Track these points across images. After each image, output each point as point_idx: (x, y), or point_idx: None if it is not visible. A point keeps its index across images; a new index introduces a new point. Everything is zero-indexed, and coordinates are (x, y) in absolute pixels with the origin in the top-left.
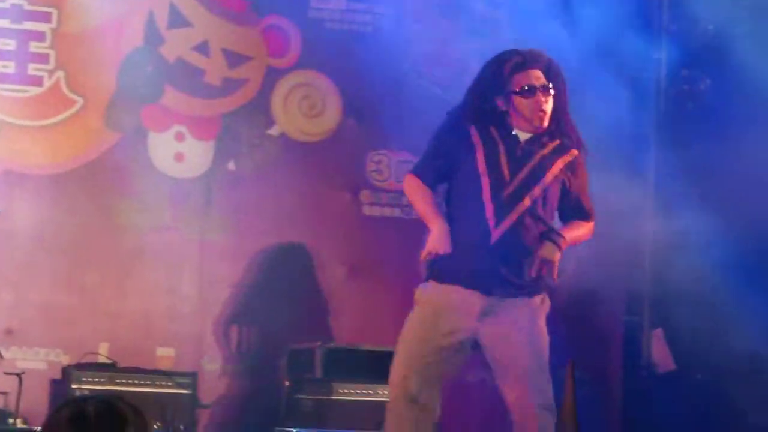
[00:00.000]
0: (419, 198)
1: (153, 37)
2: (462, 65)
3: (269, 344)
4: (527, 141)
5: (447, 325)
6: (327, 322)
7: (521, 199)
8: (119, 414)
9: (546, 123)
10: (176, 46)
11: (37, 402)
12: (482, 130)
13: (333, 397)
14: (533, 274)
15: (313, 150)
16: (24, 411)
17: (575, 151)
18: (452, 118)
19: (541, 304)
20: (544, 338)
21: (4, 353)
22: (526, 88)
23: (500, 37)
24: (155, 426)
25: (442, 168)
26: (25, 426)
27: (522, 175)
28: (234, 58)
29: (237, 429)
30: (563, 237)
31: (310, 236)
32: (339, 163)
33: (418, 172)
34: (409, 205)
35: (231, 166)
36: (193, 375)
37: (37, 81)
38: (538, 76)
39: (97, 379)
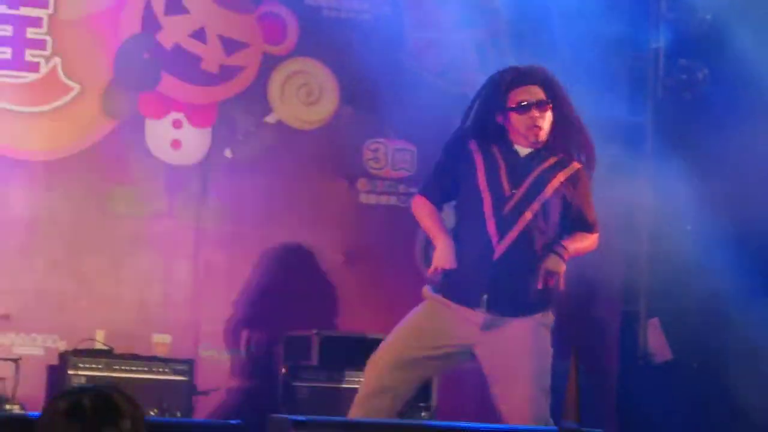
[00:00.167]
0: (425, 215)
1: (150, 23)
2: (459, 54)
3: (266, 331)
4: (527, 156)
5: (442, 339)
6: (323, 310)
7: (522, 213)
8: (115, 406)
9: (543, 138)
10: (173, 32)
11: (34, 388)
12: (483, 147)
13: (329, 385)
14: (539, 286)
15: (309, 138)
16: (21, 397)
17: (576, 165)
18: (455, 137)
19: (544, 320)
20: (546, 354)
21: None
22: (521, 104)
23: (496, 27)
24: (151, 413)
25: (447, 186)
26: (21, 411)
27: (522, 189)
28: (231, 45)
29: (233, 416)
30: (566, 249)
31: (307, 224)
32: (336, 151)
33: (425, 191)
34: (406, 193)
35: (228, 153)
36: (190, 362)
37: (34, 67)
38: (533, 92)
39: (93, 366)
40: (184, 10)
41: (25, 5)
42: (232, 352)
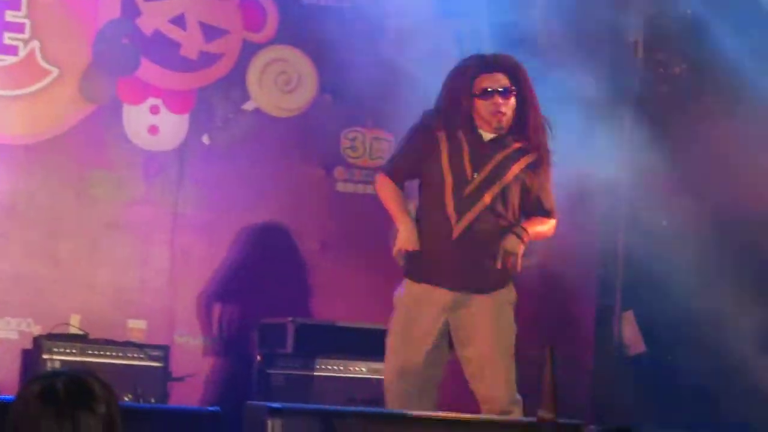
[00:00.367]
0: (388, 197)
1: (130, 8)
2: (438, 44)
3: (241, 318)
4: (491, 141)
5: (422, 328)
6: (299, 297)
7: (482, 196)
8: (89, 389)
9: (505, 124)
10: (153, 18)
11: (8, 372)
12: (449, 131)
13: (304, 372)
14: (498, 266)
15: (287, 125)
16: None
17: (536, 152)
18: (422, 119)
19: (507, 296)
20: (511, 331)
21: None
22: (485, 90)
23: (476, 17)
24: (126, 398)
25: (410, 167)
26: None
27: (483, 174)
28: (210, 32)
29: (208, 402)
30: (526, 230)
31: (284, 211)
32: (313, 139)
33: (389, 171)
34: None
35: (205, 140)
36: (165, 348)
37: (12, 50)
38: (498, 79)
39: (68, 350)
40: None
41: None
42: (208, 339)
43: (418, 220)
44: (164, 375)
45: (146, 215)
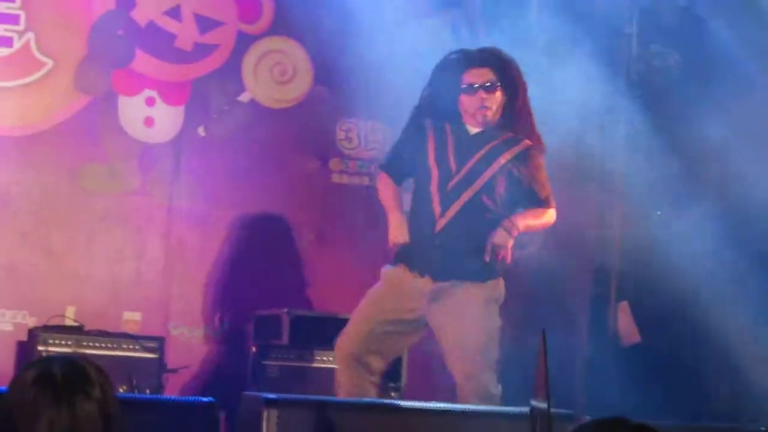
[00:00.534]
0: (382, 194)
1: (124, 0)
2: (434, 36)
3: (236, 310)
4: (476, 135)
5: (398, 304)
6: (294, 289)
7: (465, 189)
8: (85, 374)
9: (490, 118)
10: (148, 9)
11: (3, 363)
12: (437, 126)
13: (299, 364)
14: (486, 259)
15: (283, 117)
16: None
17: (527, 142)
18: (412, 115)
19: (493, 289)
20: (493, 321)
21: None
22: (470, 86)
23: (471, 8)
24: (121, 389)
25: (403, 164)
26: None
27: (468, 166)
28: (206, 23)
29: (203, 394)
30: (515, 224)
31: (279, 203)
32: (309, 131)
33: (385, 168)
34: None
35: (201, 131)
36: (160, 339)
37: (7, 42)
38: (483, 74)
39: (63, 342)
40: None
41: None
42: (203, 331)
43: (411, 214)
44: (159, 366)
45: (141, 207)
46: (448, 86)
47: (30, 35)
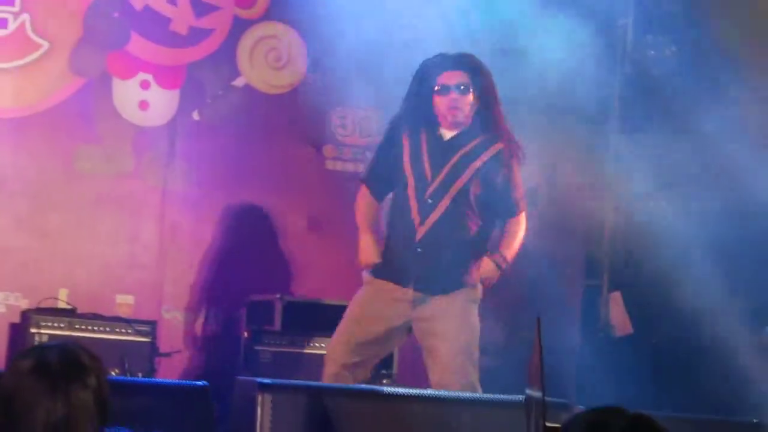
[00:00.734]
0: (357, 211)
1: None
2: (429, 25)
3: (229, 295)
4: (450, 140)
5: (382, 313)
6: (287, 274)
7: (443, 197)
8: (80, 362)
9: (460, 119)
10: None
11: None
12: (413, 132)
13: (291, 349)
14: (470, 282)
15: (277, 103)
16: None
17: (499, 145)
18: (391, 123)
19: (470, 295)
20: (472, 326)
21: None
22: (443, 86)
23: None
24: (113, 373)
25: (382, 174)
26: None
27: (443, 173)
28: (201, 7)
29: (195, 378)
30: (505, 258)
31: (273, 189)
32: (303, 117)
33: (365, 179)
34: None
35: (195, 116)
36: (153, 323)
37: (2, 23)
38: (456, 76)
39: (56, 324)
40: None
41: None
42: (195, 315)
43: (389, 223)
44: (152, 350)
45: (135, 190)
46: (426, 91)
47: (25, 16)
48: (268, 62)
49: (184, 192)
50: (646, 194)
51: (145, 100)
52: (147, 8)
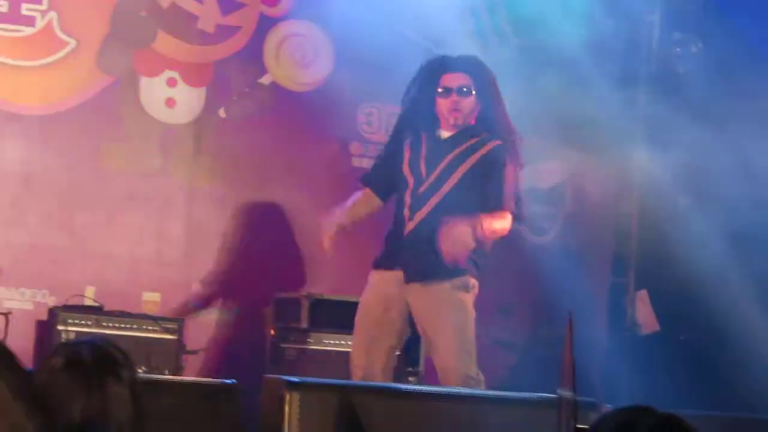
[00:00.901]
0: (353, 198)
1: None
2: (454, 21)
3: (255, 292)
4: (448, 139)
5: (382, 304)
6: (312, 272)
7: (433, 195)
8: (113, 357)
9: (461, 121)
10: None
11: (23, 342)
12: (414, 133)
13: (317, 347)
14: (440, 247)
15: (303, 100)
16: None
17: (496, 142)
18: (395, 127)
19: (461, 282)
20: (467, 314)
21: None
22: (445, 89)
23: None
24: (139, 370)
25: (383, 176)
26: None
27: (437, 172)
28: (227, 5)
29: (221, 376)
30: (482, 225)
31: (298, 186)
32: (329, 114)
33: (365, 181)
34: None
35: (222, 113)
36: (179, 320)
37: (30, 21)
38: (458, 78)
39: (83, 322)
40: None
41: None
42: (221, 312)
43: (393, 222)
44: (178, 347)
45: (162, 188)
46: (428, 93)
47: (53, 14)
48: (294, 59)
49: (211, 189)
50: (673, 191)
51: (171, 98)
52: (174, 6)
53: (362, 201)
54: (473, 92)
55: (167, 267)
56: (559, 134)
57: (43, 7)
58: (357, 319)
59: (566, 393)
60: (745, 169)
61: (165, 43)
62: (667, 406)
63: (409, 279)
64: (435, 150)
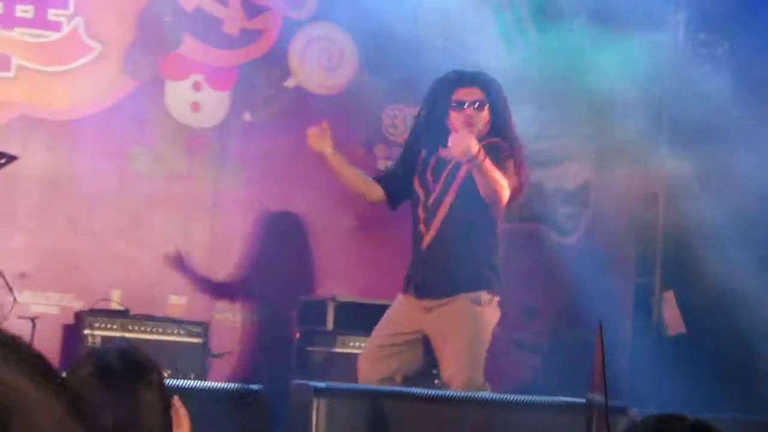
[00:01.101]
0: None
1: None
2: (477, 23)
3: (280, 295)
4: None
5: (396, 327)
6: (337, 275)
7: (441, 203)
8: (142, 363)
9: (475, 135)
10: None
11: (49, 346)
12: (426, 146)
13: (343, 350)
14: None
15: (328, 103)
16: None
17: (494, 140)
18: (407, 142)
19: (475, 297)
20: (476, 327)
21: (17, 297)
22: (458, 103)
23: None
24: (165, 374)
25: (396, 183)
26: None
27: (441, 182)
28: (252, 9)
29: (247, 379)
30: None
31: (324, 189)
32: (354, 117)
33: (380, 181)
34: None
35: (247, 116)
36: (204, 324)
37: (56, 26)
38: (472, 93)
39: (109, 326)
40: None
41: None
42: (247, 316)
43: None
44: (203, 351)
45: (187, 191)
46: (441, 107)
47: (79, 20)
48: (318, 62)
49: (236, 192)
50: (698, 192)
51: (197, 102)
52: (198, 10)
53: (368, 180)
54: (486, 106)
55: (193, 270)
56: (583, 136)
57: (70, 12)
58: (377, 327)
59: (597, 398)
60: None
61: (190, 47)
62: (693, 408)
63: (433, 295)
64: (441, 161)
